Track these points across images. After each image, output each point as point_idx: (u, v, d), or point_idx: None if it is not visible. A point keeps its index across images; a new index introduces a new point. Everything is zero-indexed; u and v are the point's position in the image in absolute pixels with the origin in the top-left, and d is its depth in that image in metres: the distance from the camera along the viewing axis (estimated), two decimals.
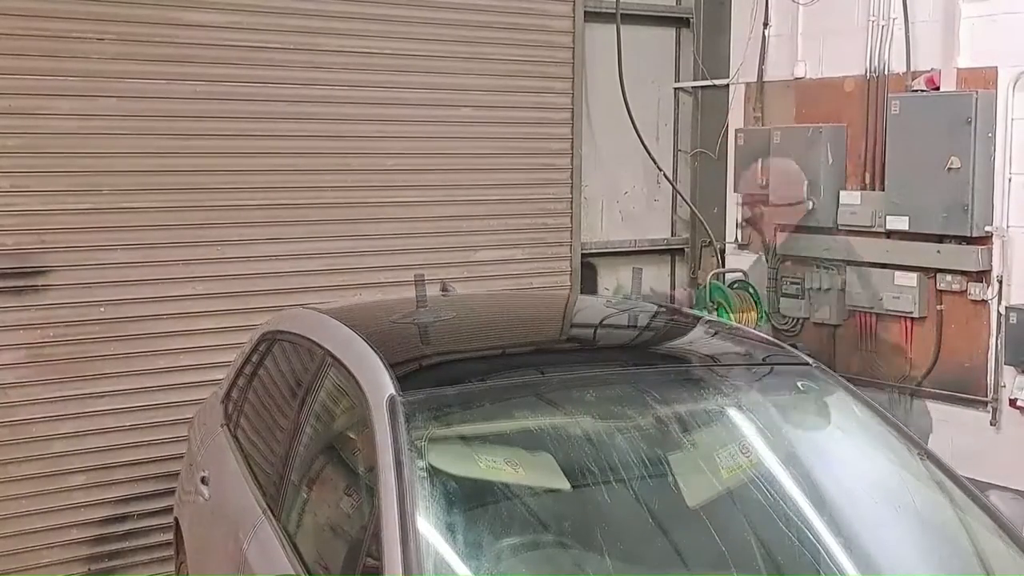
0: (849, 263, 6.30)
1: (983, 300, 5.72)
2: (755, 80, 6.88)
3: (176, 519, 4.63)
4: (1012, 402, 5.59)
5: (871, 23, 6.20)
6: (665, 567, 2.78)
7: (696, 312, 5.39)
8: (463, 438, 3.10)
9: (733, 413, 3.27)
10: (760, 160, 6.65)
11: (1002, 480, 4.35)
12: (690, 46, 7.40)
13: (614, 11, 6.93)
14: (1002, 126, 5.60)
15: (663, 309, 4.22)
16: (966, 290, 5.77)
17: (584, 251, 6.96)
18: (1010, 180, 5.60)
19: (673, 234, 7.61)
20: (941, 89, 5.82)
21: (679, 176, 7.51)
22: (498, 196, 6.50)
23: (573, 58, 6.73)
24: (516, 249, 6.60)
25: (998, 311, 5.66)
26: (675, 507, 2.98)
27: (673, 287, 7.63)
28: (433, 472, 2.81)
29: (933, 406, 5.98)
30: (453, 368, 3.43)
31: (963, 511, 3.05)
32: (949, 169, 5.66)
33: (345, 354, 3.41)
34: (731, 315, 6.60)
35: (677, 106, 7.53)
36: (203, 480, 4.10)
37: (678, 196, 7.48)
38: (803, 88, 6.64)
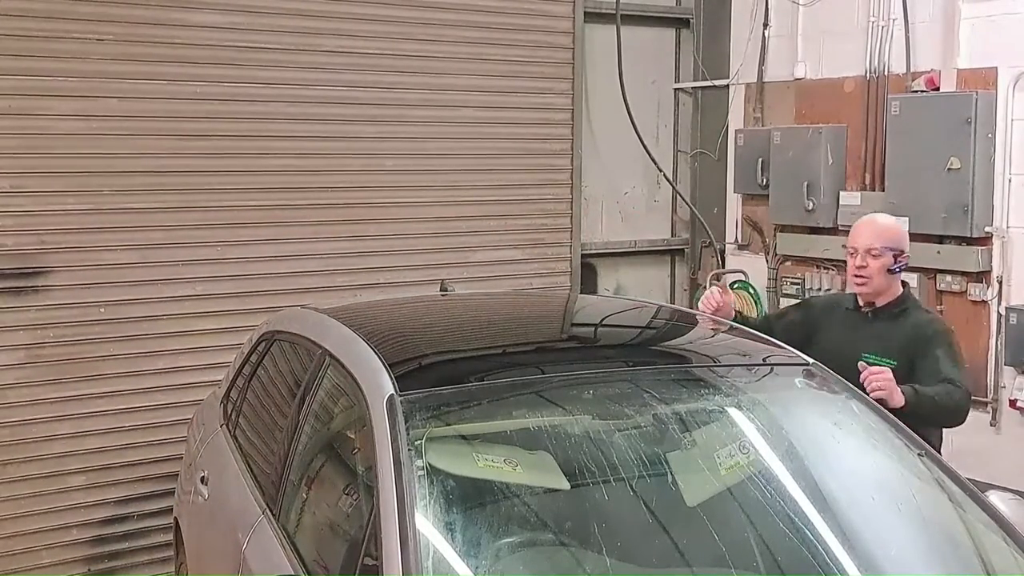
0: None
1: (983, 301, 5.71)
2: (755, 80, 6.88)
3: (176, 519, 4.63)
4: (1012, 402, 5.59)
5: (871, 24, 6.20)
6: (664, 565, 2.78)
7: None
8: (462, 437, 3.10)
9: (732, 412, 3.27)
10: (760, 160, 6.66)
11: (1002, 480, 4.34)
12: (690, 46, 7.39)
13: (614, 11, 6.92)
14: (1002, 126, 5.59)
15: (663, 308, 4.22)
16: (966, 291, 5.76)
17: (584, 251, 6.97)
18: (1010, 180, 5.59)
19: (673, 234, 7.61)
20: (941, 89, 5.81)
21: (679, 176, 7.51)
22: (498, 196, 6.50)
23: (573, 58, 6.73)
24: (516, 250, 6.60)
25: (998, 312, 5.65)
26: (674, 506, 2.98)
27: (673, 288, 7.63)
28: (432, 471, 2.81)
29: None
30: (452, 367, 3.43)
31: (963, 510, 3.04)
32: (949, 169, 5.65)
33: (344, 354, 3.41)
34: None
35: (677, 107, 7.52)
36: (202, 480, 4.10)
37: (678, 196, 7.47)
38: (803, 88, 6.64)
